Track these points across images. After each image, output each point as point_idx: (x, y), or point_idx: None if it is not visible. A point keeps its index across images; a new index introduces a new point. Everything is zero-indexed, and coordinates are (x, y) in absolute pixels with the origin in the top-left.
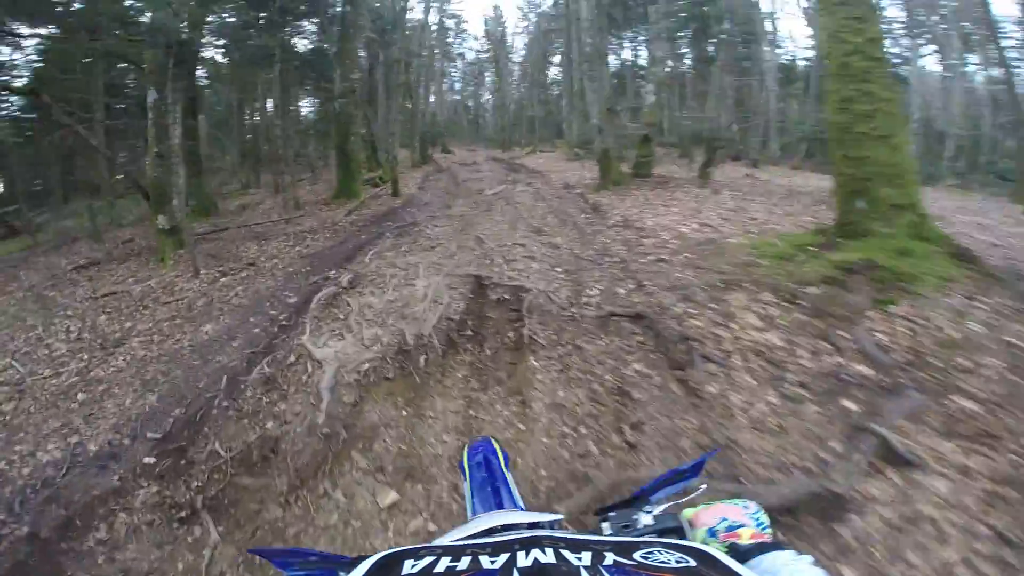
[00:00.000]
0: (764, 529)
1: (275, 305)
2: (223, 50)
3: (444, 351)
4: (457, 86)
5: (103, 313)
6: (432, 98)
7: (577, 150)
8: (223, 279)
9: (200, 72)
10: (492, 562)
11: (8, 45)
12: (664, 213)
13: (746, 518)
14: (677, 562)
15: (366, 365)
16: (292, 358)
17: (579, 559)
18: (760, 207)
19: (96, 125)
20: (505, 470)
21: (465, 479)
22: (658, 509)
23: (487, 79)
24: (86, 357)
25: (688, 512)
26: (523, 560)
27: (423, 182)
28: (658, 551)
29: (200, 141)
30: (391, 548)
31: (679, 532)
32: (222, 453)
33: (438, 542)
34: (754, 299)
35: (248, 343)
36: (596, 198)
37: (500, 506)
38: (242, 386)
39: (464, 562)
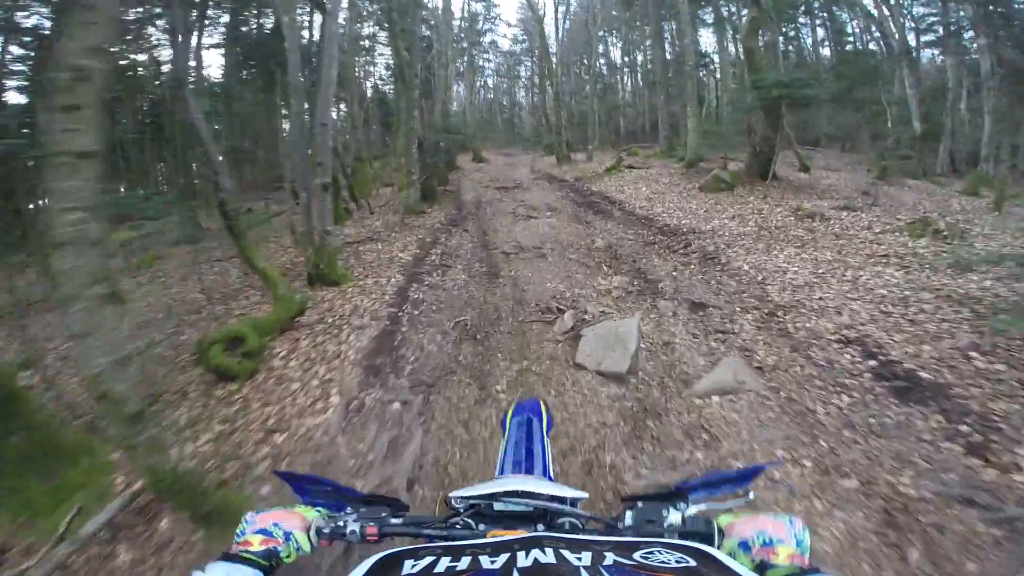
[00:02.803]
0: (804, 551)
1: None
2: None
3: None
4: (490, 82)
5: None
6: (461, 92)
7: (721, 172)
8: None
9: None
10: (492, 562)
11: None
12: None
13: (787, 535)
14: (677, 562)
15: None
16: None
17: (579, 559)
18: None
19: None
20: (545, 436)
21: (504, 435)
22: (692, 510)
23: (522, 72)
24: None
25: (724, 519)
26: (523, 560)
27: (403, 294)
28: (658, 551)
29: None
30: (391, 549)
31: (708, 539)
32: None
33: (459, 494)
34: None
35: None
36: None
37: (530, 471)
38: None
39: (464, 562)
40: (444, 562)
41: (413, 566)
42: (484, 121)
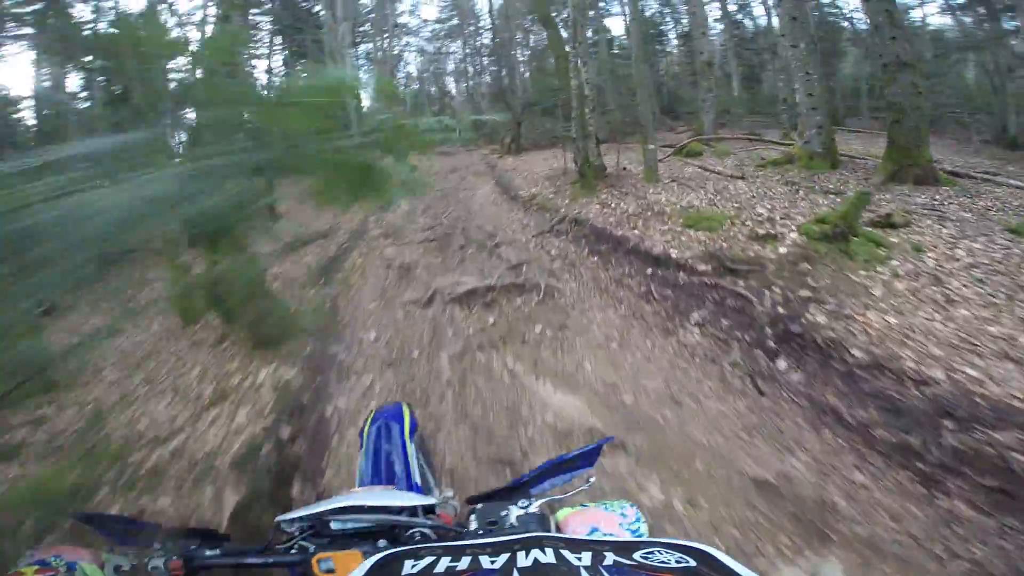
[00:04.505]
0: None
1: None
2: None
3: None
4: (413, 71)
5: None
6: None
7: None
8: None
9: None
10: (492, 562)
11: None
12: None
13: (620, 528)
14: (677, 562)
15: None
16: None
17: (579, 559)
18: None
19: None
20: (408, 440)
21: (361, 447)
22: (533, 506)
23: (454, 51)
24: None
25: (561, 514)
26: (523, 560)
27: None
28: (658, 551)
29: None
30: (392, 549)
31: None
32: None
33: (288, 516)
34: None
35: None
36: None
37: (391, 481)
38: None
39: (464, 562)
40: (444, 562)
41: (413, 566)
42: (409, 118)
